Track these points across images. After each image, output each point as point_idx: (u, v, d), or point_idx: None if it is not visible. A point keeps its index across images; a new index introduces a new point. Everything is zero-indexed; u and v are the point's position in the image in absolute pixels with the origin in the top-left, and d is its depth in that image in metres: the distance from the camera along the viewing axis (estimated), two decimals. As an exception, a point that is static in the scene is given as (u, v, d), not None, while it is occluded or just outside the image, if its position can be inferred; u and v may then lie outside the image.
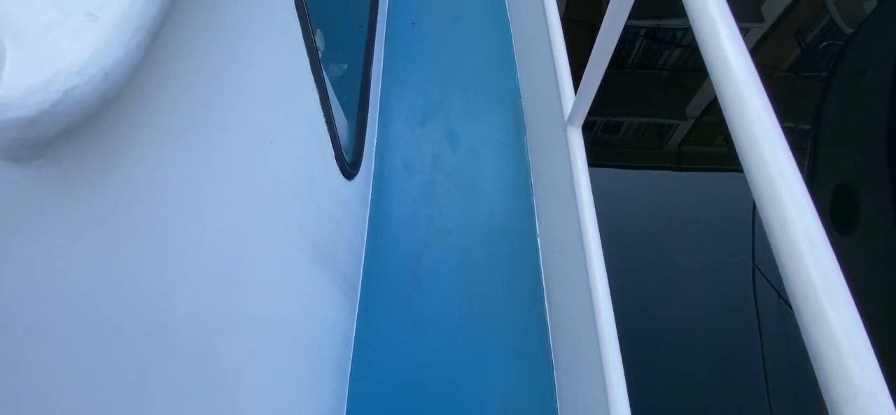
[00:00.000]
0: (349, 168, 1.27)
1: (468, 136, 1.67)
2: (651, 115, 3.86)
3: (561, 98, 1.24)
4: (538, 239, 1.48)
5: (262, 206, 0.74)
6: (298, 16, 0.92)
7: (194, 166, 0.56)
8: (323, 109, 1.07)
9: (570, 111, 1.18)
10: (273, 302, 0.78)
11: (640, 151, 3.88)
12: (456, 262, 1.46)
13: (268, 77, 0.77)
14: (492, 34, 1.87)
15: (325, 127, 1.10)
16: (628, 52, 4.37)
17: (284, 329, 0.83)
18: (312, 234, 1.01)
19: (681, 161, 3.74)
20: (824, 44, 3.82)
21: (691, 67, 4.47)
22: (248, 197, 0.69)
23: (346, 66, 1.46)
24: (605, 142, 4.07)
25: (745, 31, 3.75)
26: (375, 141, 1.60)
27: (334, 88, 1.16)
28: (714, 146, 4.02)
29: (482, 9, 1.93)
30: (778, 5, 4.37)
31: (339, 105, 1.18)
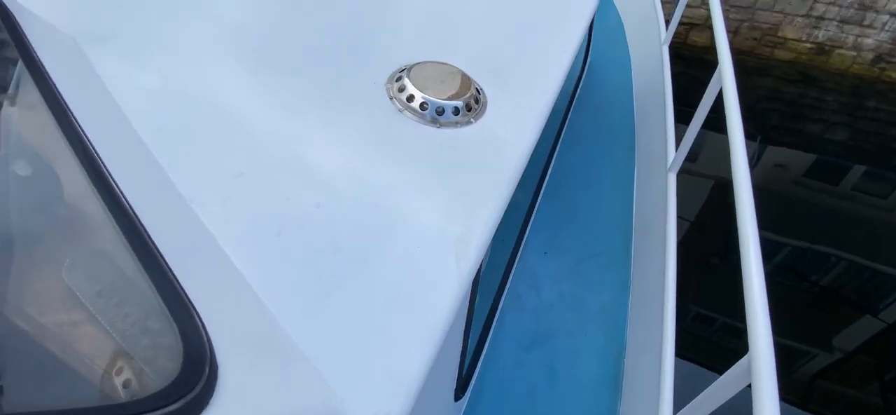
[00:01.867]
0: (460, 391, 1.28)
1: (567, 378, 1.65)
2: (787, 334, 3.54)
3: (660, 397, 1.23)
4: None
5: None
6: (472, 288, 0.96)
7: None
8: (462, 353, 1.10)
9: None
10: None
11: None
12: None
13: None
14: (611, 283, 1.92)
15: (458, 363, 1.12)
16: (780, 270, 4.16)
17: None
18: None
19: (808, 397, 3.34)
20: None
21: (848, 298, 4.09)
22: None
23: (484, 298, 1.54)
24: (717, 342, 3.79)
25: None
26: (483, 356, 1.63)
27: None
28: (863, 391, 3.55)
29: (611, 254, 2.01)
30: None
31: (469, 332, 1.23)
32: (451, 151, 0.97)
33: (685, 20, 5.94)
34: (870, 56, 5.88)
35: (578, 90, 2.73)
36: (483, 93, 1.13)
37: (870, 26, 5.70)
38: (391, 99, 1.04)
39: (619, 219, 2.19)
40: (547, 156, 2.22)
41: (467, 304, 1.03)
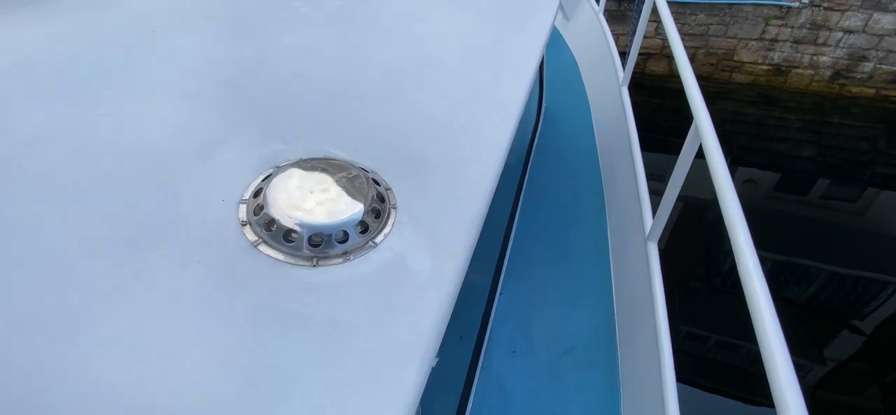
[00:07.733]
0: None
1: None
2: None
3: None
4: None
5: None
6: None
7: None
8: None
9: None
10: None
11: (753, 376, 3.43)
12: None
13: None
14: (597, 386, 1.59)
15: None
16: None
17: None
18: None
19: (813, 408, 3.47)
20: None
21: (832, 311, 4.12)
22: None
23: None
24: (713, 359, 3.73)
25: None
26: None
27: None
28: (861, 397, 3.55)
29: (593, 347, 1.70)
30: None
31: None
32: (332, 305, 0.63)
33: (642, 51, 5.96)
34: (828, 73, 5.94)
35: (536, 139, 2.44)
36: (391, 194, 0.79)
37: (824, 44, 5.79)
38: (243, 226, 0.71)
39: (598, 302, 1.84)
40: (506, 223, 1.90)
41: None
